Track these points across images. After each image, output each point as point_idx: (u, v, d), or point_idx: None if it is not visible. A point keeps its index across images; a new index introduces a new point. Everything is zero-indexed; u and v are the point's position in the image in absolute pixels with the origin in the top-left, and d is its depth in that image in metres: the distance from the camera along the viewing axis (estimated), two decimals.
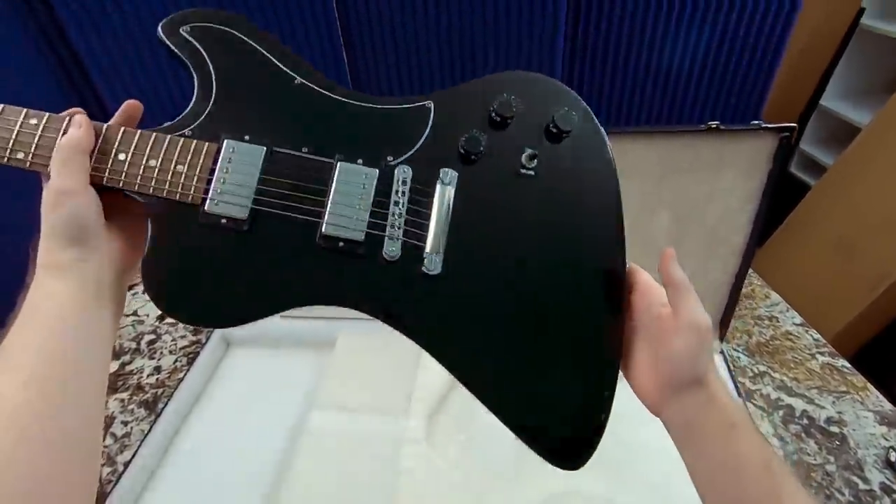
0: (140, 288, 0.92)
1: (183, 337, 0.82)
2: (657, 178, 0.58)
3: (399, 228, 0.34)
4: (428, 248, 0.34)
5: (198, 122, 0.35)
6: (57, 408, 0.29)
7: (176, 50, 0.36)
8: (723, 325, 0.66)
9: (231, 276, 0.34)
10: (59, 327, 0.31)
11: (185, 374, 0.71)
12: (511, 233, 0.35)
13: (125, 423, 0.69)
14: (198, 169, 0.34)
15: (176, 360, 0.78)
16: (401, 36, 0.86)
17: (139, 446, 0.62)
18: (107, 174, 0.34)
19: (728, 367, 0.66)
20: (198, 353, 0.75)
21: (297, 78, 0.37)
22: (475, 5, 0.83)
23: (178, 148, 0.34)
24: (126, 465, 0.61)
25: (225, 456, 0.63)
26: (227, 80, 0.36)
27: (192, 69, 0.36)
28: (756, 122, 0.52)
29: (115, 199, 0.35)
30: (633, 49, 0.88)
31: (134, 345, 0.81)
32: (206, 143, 0.35)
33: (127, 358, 0.79)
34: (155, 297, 0.34)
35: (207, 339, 0.77)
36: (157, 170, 0.33)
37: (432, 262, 0.34)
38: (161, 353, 0.79)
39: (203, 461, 0.62)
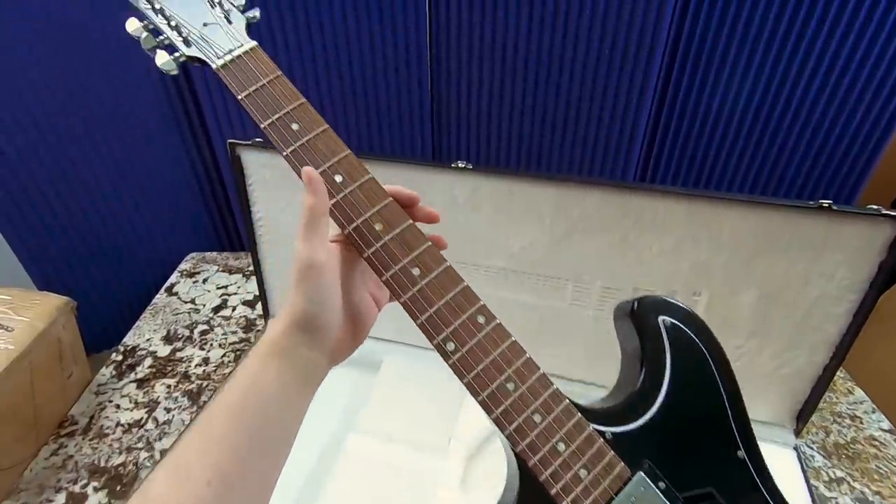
0: (201, 277, 0.95)
1: (234, 333, 0.83)
2: (749, 251, 0.53)
3: None
4: None
5: (625, 428, 0.32)
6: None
7: (636, 328, 0.34)
8: (801, 419, 0.60)
9: None
10: (259, 417, 0.29)
11: (232, 372, 0.71)
12: None
13: (168, 410, 0.70)
14: (596, 490, 0.30)
15: (224, 355, 0.79)
16: (485, 108, 0.88)
17: (179, 437, 0.62)
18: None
19: (801, 465, 0.59)
20: (245, 352, 0.76)
21: (741, 450, 0.34)
22: (564, 63, 0.83)
23: (592, 450, 0.30)
24: (163, 453, 0.61)
25: None
26: (675, 403, 0.33)
27: (643, 354, 0.33)
28: (875, 206, 0.47)
29: (351, 285, 0.33)
30: (728, 105, 0.84)
31: (187, 332, 0.83)
32: (620, 465, 0.31)
33: (179, 344, 0.81)
34: None
35: (257, 339, 0.77)
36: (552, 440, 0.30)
37: None
38: (211, 345, 0.81)
39: None
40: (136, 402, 0.71)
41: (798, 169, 0.87)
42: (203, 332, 0.83)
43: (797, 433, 0.61)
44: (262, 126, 0.33)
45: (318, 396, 0.71)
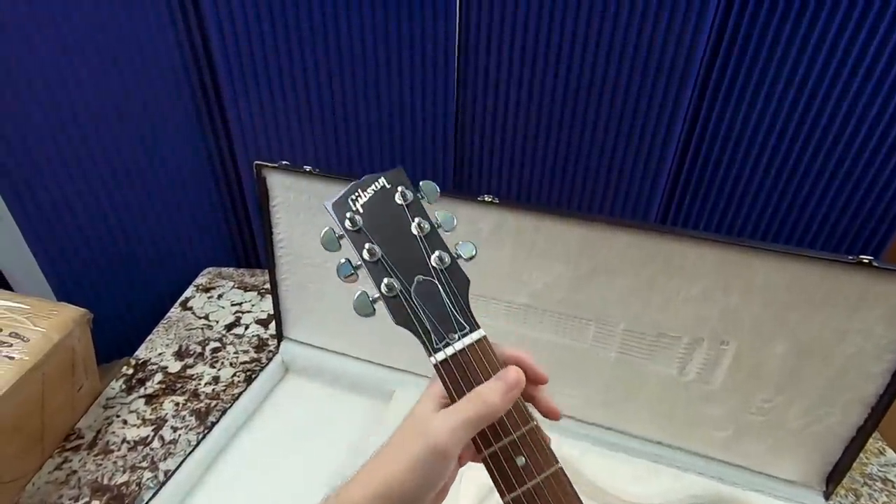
0: (216, 293, 0.95)
1: (246, 352, 0.82)
2: (782, 303, 0.52)
3: None
4: None
5: None
6: None
7: None
8: (831, 481, 0.57)
9: None
10: None
11: (241, 393, 0.70)
12: None
13: (174, 430, 0.69)
14: None
15: (234, 375, 0.78)
16: (509, 140, 0.89)
17: (184, 459, 0.61)
18: None
19: None
20: (256, 372, 0.75)
21: None
22: (591, 103, 0.83)
23: None
24: (168, 475, 0.60)
25: (260, 492, 0.61)
26: None
27: None
28: None
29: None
30: (755, 150, 0.83)
31: (199, 349, 0.83)
32: None
33: (190, 361, 0.80)
34: None
35: (269, 360, 0.77)
36: None
37: None
38: (222, 363, 0.80)
39: (237, 494, 0.61)
40: (144, 419, 0.70)
41: (825, 219, 0.85)
42: (215, 350, 0.83)
43: (826, 496, 0.58)
44: (482, 454, 0.29)
45: (329, 425, 0.70)
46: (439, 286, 0.31)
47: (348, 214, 0.31)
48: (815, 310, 0.51)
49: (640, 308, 0.57)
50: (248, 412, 0.70)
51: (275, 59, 0.82)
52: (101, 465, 0.64)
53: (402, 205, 0.32)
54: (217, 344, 0.84)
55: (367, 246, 0.31)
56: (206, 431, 0.66)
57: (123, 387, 0.75)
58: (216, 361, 0.80)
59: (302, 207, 0.65)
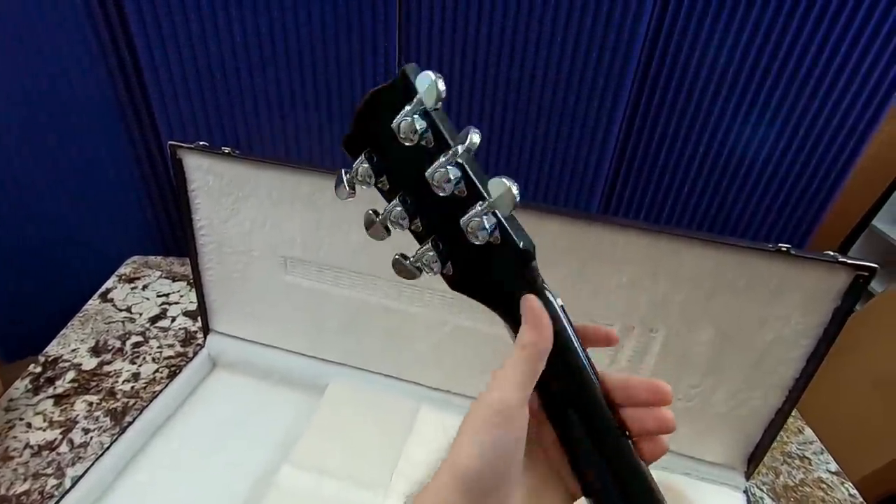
0: (140, 283, 0.89)
1: (171, 346, 0.77)
2: (707, 290, 0.52)
3: None
4: None
5: None
6: None
7: None
8: (752, 461, 0.59)
9: None
10: None
11: (162, 390, 0.66)
12: None
13: (86, 431, 0.64)
14: None
15: (157, 371, 0.73)
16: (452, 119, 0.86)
17: (92, 464, 0.56)
18: None
19: None
20: (181, 368, 0.70)
21: None
22: (533, 95, 0.82)
23: None
24: (74, 482, 0.55)
25: (180, 495, 0.57)
26: None
27: None
28: (831, 252, 0.47)
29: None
30: (691, 142, 0.85)
31: (119, 343, 0.77)
32: None
33: (108, 357, 0.75)
34: None
35: (195, 354, 0.72)
36: None
37: None
38: (144, 358, 0.75)
39: (154, 497, 0.57)
40: (51, 422, 0.65)
41: (755, 211, 0.88)
42: (136, 345, 0.77)
43: (748, 476, 0.59)
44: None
45: (256, 420, 0.67)
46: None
47: None
48: (737, 297, 0.52)
49: (572, 297, 0.56)
50: (170, 410, 0.66)
51: (198, 28, 0.76)
52: None
53: None
54: (139, 338, 0.78)
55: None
56: (121, 432, 0.61)
57: (29, 387, 0.69)
58: (137, 357, 0.75)
59: (223, 191, 0.61)
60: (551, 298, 0.26)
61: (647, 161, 0.87)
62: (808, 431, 0.74)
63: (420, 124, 0.24)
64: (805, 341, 0.52)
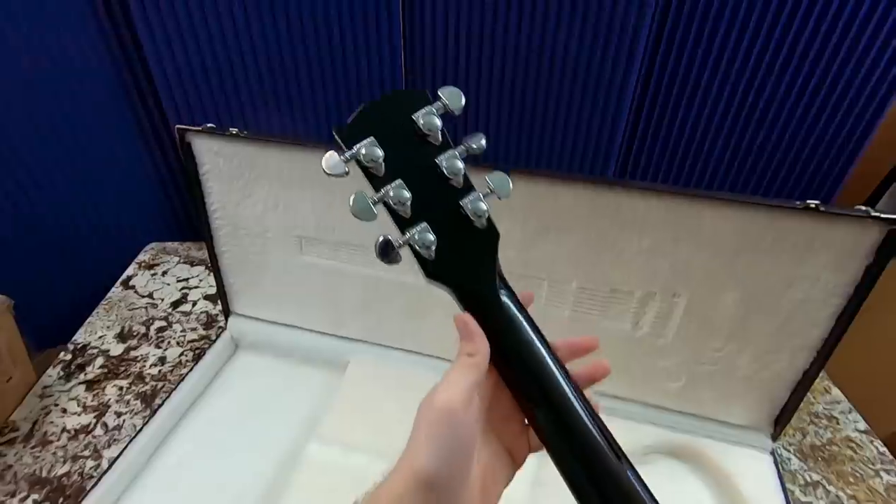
0: (160, 269, 0.90)
1: (193, 329, 0.79)
2: (731, 252, 0.51)
3: None
4: None
5: None
6: None
7: None
8: (778, 424, 0.58)
9: None
10: None
11: (188, 373, 0.67)
12: None
13: (119, 415, 0.66)
14: None
15: (182, 354, 0.75)
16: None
17: (126, 445, 0.58)
18: None
19: (777, 469, 0.58)
20: (205, 350, 0.71)
21: None
22: (543, 56, 0.78)
23: None
24: (112, 462, 0.57)
25: (211, 473, 0.59)
26: None
27: None
28: (863, 207, 0.45)
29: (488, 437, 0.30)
30: (709, 103, 0.81)
31: (143, 329, 0.79)
32: None
33: (134, 342, 0.76)
34: None
35: (217, 336, 0.73)
36: None
37: None
38: (169, 343, 0.76)
39: (187, 476, 0.59)
40: (85, 406, 0.67)
41: (778, 168, 0.85)
42: (160, 329, 0.79)
43: (774, 438, 0.59)
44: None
45: (280, 399, 0.68)
46: None
47: None
48: (763, 258, 0.50)
49: (591, 264, 0.55)
50: (197, 392, 0.67)
51: (198, 8, 0.75)
52: (38, 457, 0.61)
53: None
54: (162, 323, 0.80)
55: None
56: (152, 414, 0.63)
57: (61, 374, 0.71)
58: (162, 341, 0.77)
59: (234, 174, 0.60)
60: (505, 299, 0.30)
61: (664, 119, 0.84)
62: (836, 391, 0.73)
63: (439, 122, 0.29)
64: (835, 301, 0.50)
